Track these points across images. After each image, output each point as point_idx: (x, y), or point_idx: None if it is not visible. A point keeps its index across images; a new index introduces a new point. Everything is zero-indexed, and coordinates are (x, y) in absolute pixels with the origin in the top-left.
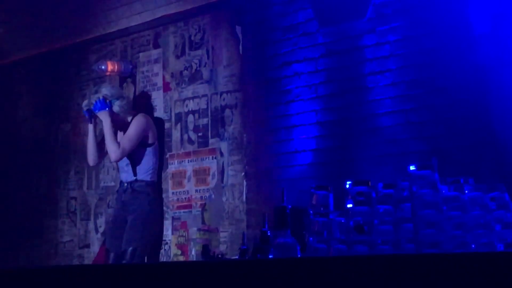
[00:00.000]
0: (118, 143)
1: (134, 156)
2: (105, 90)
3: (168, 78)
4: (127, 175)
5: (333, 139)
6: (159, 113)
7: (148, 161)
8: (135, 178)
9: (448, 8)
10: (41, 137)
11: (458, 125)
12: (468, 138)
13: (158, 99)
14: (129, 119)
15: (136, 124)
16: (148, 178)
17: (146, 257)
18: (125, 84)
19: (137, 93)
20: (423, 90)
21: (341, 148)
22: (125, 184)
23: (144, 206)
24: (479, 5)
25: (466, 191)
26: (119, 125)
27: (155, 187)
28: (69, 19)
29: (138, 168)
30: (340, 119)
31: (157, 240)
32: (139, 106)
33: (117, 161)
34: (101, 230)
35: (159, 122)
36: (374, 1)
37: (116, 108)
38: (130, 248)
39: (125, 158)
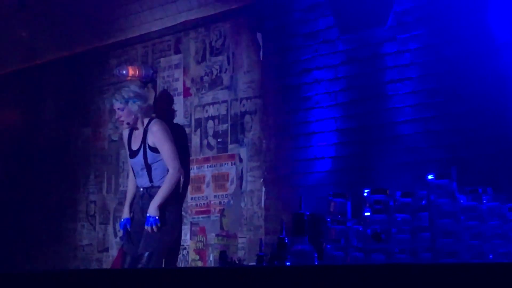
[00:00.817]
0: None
1: (148, 161)
2: (128, 89)
3: (188, 83)
4: (142, 180)
5: (352, 146)
6: (179, 118)
7: (163, 166)
8: (151, 184)
9: (469, 16)
10: (62, 140)
11: (477, 134)
12: (488, 147)
13: (178, 104)
14: (145, 121)
15: (158, 138)
16: None
17: (163, 262)
18: (145, 89)
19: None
20: (443, 99)
21: (360, 156)
22: (141, 190)
23: (163, 213)
24: (500, 13)
25: (484, 201)
26: (131, 123)
27: (172, 193)
28: (91, 23)
29: (153, 173)
30: (359, 127)
31: (175, 245)
32: (160, 110)
33: (181, 174)
34: (120, 234)
35: (179, 129)
36: (395, 9)
37: (135, 107)
38: (147, 253)
39: (139, 162)
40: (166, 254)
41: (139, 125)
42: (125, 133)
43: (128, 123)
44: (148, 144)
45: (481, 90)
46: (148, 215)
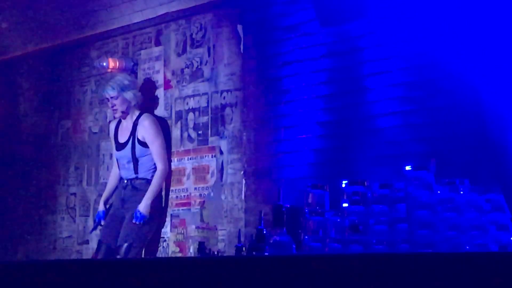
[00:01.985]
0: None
1: (136, 154)
2: (122, 78)
3: (169, 75)
4: (127, 172)
5: (332, 139)
6: (159, 110)
7: (150, 160)
8: (136, 175)
9: (447, 9)
10: (42, 133)
11: (456, 127)
12: (466, 140)
13: (159, 96)
14: (135, 114)
15: (149, 133)
16: (149, 177)
17: (143, 254)
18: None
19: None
20: (422, 92)
21: (340, 149)
22: (125, 181)
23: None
24: (480, 6)
25: (462, 192)
26: (125, 112)
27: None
28: (71, 15)
29: (139, 166)
30: (339, 120)
31: (155, 237)
32: (145, 99)
33: (167, 173)
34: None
35: (163, 122)
36: (375, 2)
37: (129, 95)
38: (126, 244)
39: (126, 156)
40: (145, 246)
41: (128, 116)
42: (112, 125)
43: (122, 112)
44: (138, 138)
45: (459, 84)
46: (138, 210)
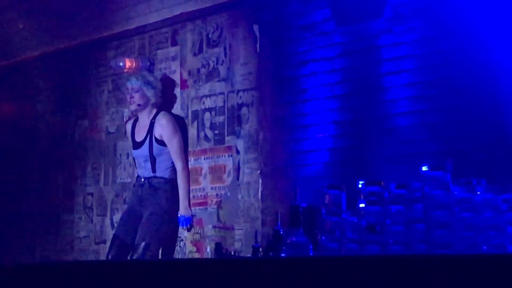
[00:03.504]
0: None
1: (153, 153)
2: (147, 74)
3: (185, 75)
4: (144, 171)
5: (348, 138)
6: (176, 110)
7: (168, 158)
8: (154, 174)
9: (465, 8)
10: (59, 133)
11: (473, 126)
12: (483, 139)
13: (175, 94)
14: (152, 112)
15: (167, 131)
16: (167, 175)
17: (160, 253)
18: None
19: None
20: (439, 91)
21: (357, 148)
22: (143, 179)
23: (162, 203)
24: (496, 6)
25: (478, 192)
26: (142, 107)
27: (174, 184)
28: (88, 15)
29: (157, 164)
30: (355, 119)
31: (172, 237)
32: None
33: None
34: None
35: (180, 121)
36: (391, 1)
37: (151, 92)
38: (143, 243)
39: (143, 154)
40: (162, 245)
41: (145, 115)
42: (129, 125)
43: (139, 105)
44: (155, 137)
45: (476, 83)
46: (181, 215)
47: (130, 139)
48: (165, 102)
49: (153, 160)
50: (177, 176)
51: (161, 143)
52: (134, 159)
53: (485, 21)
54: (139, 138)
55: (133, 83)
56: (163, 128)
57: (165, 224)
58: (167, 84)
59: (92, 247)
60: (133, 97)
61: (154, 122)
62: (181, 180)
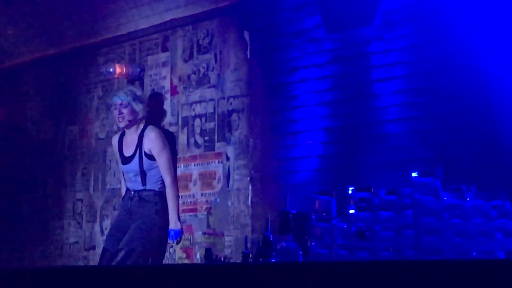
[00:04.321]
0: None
1: (143, 167)
2: (135, 89)
3: (175, 81)
4: (134, 185)
5: (339, 145)
6: (166, 116)
7: (158, 172)
8: (144, 187)
9: (456, 17)
10: (49, 139)
11: (463, 133)
12: (473, 146)
13: (165, 102)
14: (140, 126)
15: (156, 146)
16: (156, 188)
17: (149, 260)
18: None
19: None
20: (429, 98)
21: (347, 155)
22: (132, 192)
23: (151, 215)
24: (486, 15)
25: (468, 199)
26: (131, 122)
27: (163, 197)
28: (78, 21)
29: (147, 179)
30: (346, 125)
31: (161, 244)
32: (150, 111)
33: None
34: (106, 232)
35: (169, 135)
36: (382, 8)
37: (140, 107)
38: (127, 249)
39: (133, 169)
40: (150, 253)
41: (132, 129)
42: (115, 139)
43: (129, 121)
44: (144, 151)
45: (466, 90)
46: (171, 229)
47: (117, 153)
48: (154, 116)
49: (143, 174)
50: (166, 191)
51: (151, 157)
52: (123, 173)
53: (475, 28)
54: (127, 153)
55: (122, 99)
56: (152, 142)
57: (153, 235)
58: (156, 99)
59: (82, 253)
60: (123, 113)
61: (142, 136)
62: (170, 195)
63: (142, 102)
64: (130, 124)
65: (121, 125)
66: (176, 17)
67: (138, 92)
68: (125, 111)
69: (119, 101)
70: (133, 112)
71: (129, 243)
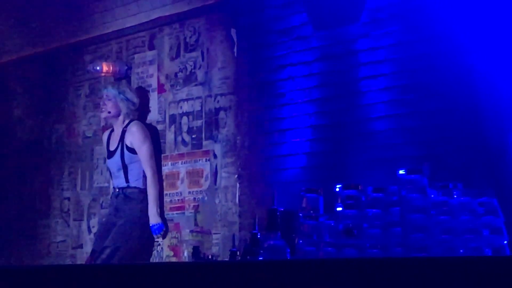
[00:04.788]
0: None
1: (125, 161)
2: (126, 88)
3: (162, 79)
4: (118, 181)
5: (326, 142)
6: (153, 114)
7: (139, 167)
8: (127, 184)
9: (443, 14)
10: (35, 137)
11: (450, 130)
12: (460, 143)
13: (152, 100)
14: (125, 122)
15: (136, 138)
16: (140, 185)
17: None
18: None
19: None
20: (416, 95)
21: (334, 152)
22: (117, 190)
23: (135, 213)
24: (474, 12)
25: (455, 196)
26: (111, 115)
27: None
28: (65, 19)
29: (129, 173)
30: (333, 123)
31: (146, 247)
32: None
33: (157, 177)
34: (94, 230)
35: (152, 129)
36: (368, 5)
37: (123, 104)
38: (114, 246)
39: (116, 163)
40: (136, 251)
41: (118, 125)
42: (105, 135)
43: (109, 112)
44: (126, 144)
45: (453, 87)
46: (152, 225)
47: (105, 149)
48: (139, 113)
49: (125, 168)
50: (147, 184)
51: (132, 151)
52: (108, 169)
53: (462, 25)
54: (112, 147)
55: (108, 91)
56: (133, 135)
57: (137, 233)
58: (141, 95)
59: (69, 251)
60: (105, 105)
61: (125, 131)
62: (150, 187)
63: (127, 99)
64: (111, 116)
65: (102, 115)
66: (163, 15)
67: (126, 89)
68: (108, 103)
69: (105, 93)
70: (115, 106)
71: (114, 241)
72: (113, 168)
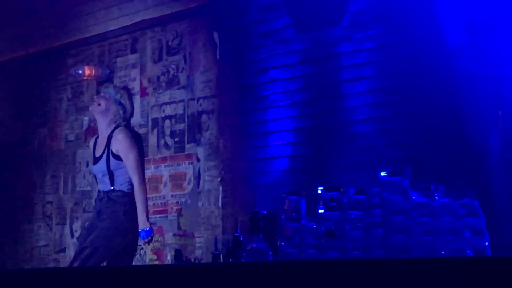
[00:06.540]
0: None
1: (110, 167)
2: (125, 95)
3: (145, 83)
4: (103, 186)
5: (309, 145)
6: (135, 117)
7: (125, 172)
8: (112, 188)
9: (424, 16)
10: (18, 141)
11: (432, 133)
12: (442, 146)
13: (135, 104)
14: (111, 127)
15: (123, 146)
16: (125, 189)
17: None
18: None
19: None
20: (398, 98)
21: (317, 155)
22: (102, 193)
23: (119, 216)
24: (455, 15)
25: (437, 198)
26: (102, 110)
27: (132, 198)
28: (47, 23)
29: (115, 179)
30: (316, 126)
31: (129, 249)
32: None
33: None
34: (76, 234)
35: (137, 136)
36: (350, 8)
37: (114, 108)
38: (92, 247)
39: (101, 169)
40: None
41: (103, 129)
42: (91, 142)
43: (99, 104)
44: (112, 151)
45: (435, 90)
46: (141, 230)
47: (91, 154)
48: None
49: (111, 174)
50: (135, 191)
51: (118, 157)
52: (94, 174)
53: (444, 28)
54: (98, 153)
55: (107, 90)
56: (120, 143)
57: (119, 236)
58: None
59: (52, 255)
60: (99, 99)
61: (111, 137)
62: (139, 195)
63: (120, 105)
64: (98, 110)
65: (90, 107)
66: (145, 18)
67: (124, 96)
68: (102, 100)
69: (103, 90)
70: (107, 104)
71: (94, 242)
72: (98, 174)
